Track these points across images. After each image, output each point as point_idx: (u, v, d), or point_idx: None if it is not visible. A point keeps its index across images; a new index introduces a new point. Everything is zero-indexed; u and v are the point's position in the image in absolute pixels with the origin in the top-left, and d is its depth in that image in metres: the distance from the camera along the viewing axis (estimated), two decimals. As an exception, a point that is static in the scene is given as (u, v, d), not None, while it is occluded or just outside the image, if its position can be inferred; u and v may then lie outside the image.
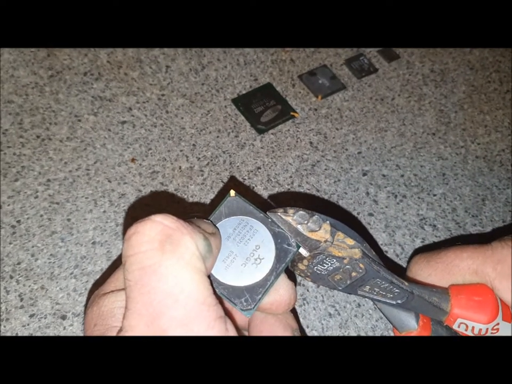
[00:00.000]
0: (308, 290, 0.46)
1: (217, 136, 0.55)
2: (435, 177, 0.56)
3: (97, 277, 0.45)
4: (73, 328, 0.42)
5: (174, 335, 0.19)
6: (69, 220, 0.47)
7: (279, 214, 0.25)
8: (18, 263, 0.45)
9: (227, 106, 0.58)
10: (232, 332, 0.20)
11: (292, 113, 0.58)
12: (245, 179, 0.52)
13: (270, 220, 0.25)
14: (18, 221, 0.47)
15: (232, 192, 0.25)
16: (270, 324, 0.26)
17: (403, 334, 0.29)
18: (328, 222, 0.25)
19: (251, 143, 0.55)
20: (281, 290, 0.25)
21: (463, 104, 0.63)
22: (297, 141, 0.56)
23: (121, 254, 0.46)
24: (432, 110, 0.62)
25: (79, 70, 0.58)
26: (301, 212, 0.25)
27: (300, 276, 0.27)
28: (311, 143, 0.56)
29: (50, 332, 0.42)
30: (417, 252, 0.49)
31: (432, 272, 0.30)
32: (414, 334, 0.29)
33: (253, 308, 0.23)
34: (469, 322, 0.28)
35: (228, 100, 0.58)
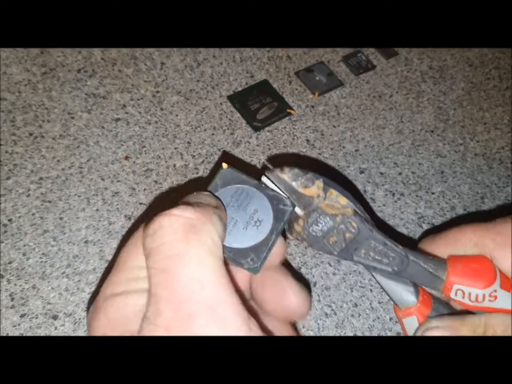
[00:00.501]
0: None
1: (213, 134, 0.54)
2: (433, 175, 0.55)
3: (90, 276, 0.44)
4: (65, 328, 0.41)
5: (203, 319, 0.20)
6: (61, 218, 0.47)
7: (275, 172, 0.26)
8: (10, 262, 0.44)
9: (222, 104, 0.57)
10: (253, 321, 0.21)
11: (288, 110, 0.57)
12: (241, 177, 0.52)
13: (263, 185, 0.26)
14: (10, 220, 0.46)
15: (225, 165, 0.27)
16: (270, 275, 0.27)
17: (403, 310, 0.29)
18: (321, 179, 0.26)
19: (247, 140, 0.54)
20: (290, 293, 0.26)
21: (462, 101, 0.62)
22: (293, 139, 0.55)
23: (114, 254, 0.45)
24: (431, 107, 0.61)
25: (73, 67, 0.57)
26: (296, 170, 0.26)
27: (297, 239, 0.28)
28: (307, 140, 0.55)
29: (42, 332, 0.41)
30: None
31: (435, 248, 0.30)
32: (413, 309, 0.28)
33: (260, 265, 0.25)
34: (466, 288, 0.28)
35: (223, 97, 0.57)
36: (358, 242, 0.27)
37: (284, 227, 0.26)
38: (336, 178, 0.27)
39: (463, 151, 0.58)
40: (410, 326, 0.29)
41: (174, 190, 0.50)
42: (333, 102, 0.59)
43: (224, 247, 0.24)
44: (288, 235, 0.28)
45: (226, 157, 0.52)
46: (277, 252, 0.26)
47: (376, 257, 0.27)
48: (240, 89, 0.58)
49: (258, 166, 0.53)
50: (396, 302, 0.29)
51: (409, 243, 0.48)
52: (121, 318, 0.22)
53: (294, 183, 0.26)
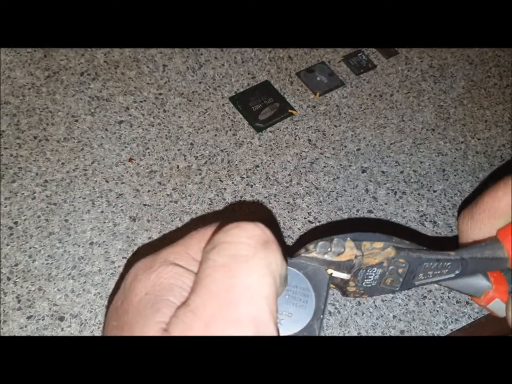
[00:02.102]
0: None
1: (215, 135, 0.55)
2: (435, 173, 0.55)
3: (95, 277, 0.45)
4: (71, 330, 0.42)
5: (245, 325, 0.19)
6: (66, 220, 0.47)
7: (302, 254, 0.25)
8: (16, 265, 0.44)
9: (225, 105, 0.57)
10: None
11: (290, 110, 0.57)
12: (243, 177, 0.52)
13: (295, 262, 0.25)
14: (16, 222, 0.46)
15: None
16: None
17: (483, 298, 0.29)
18: (348, 238, 0.26)
19: (249, 141, 0.55)
20: None
21: (462, 100, 0.62)
22: (295, 139, 0.56)
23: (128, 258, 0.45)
24: (432, 105, 0.61)
25: (76, 70, 0.58)
26: (321, 243, 0.25)
27: (356, 297, 0.28)
28: (309, 140, 0.56)
29: (48, 334, 0.41)
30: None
31: (480, 225, 0.29)
32: (491, 293, 0.28)
33: None
34: None
35: (225, 98, 0.58)
36: (413, 271, 0.27)
37: (327, 300, 0.25)
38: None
39: (464, 149, 0.58)
40: (498, 309, 0.29)
41: (177, 191, 0.50)
42: (334, 101, 0.59)
43: None
44: (345, 296, 0.28)
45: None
46: None
47: (435, 272, 0.27)
48: (242, 90, 0.58)
49: (261, 167, 0.53)
50: (472, 294, 0.29)
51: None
52: (168, 285, 0.22)
53: (326, 256, 0.25)
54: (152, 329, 0.20)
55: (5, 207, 0.47)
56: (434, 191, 0.54)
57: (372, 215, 0.51)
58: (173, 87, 0.58)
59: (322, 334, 0.24)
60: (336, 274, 0.26)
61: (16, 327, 0.42)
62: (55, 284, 0.44)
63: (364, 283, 0.26)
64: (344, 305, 0.45)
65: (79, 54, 0.59)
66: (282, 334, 0.23)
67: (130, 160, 0.52)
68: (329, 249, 0.25)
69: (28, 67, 0.57)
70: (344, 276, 0.26)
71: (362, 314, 0.45)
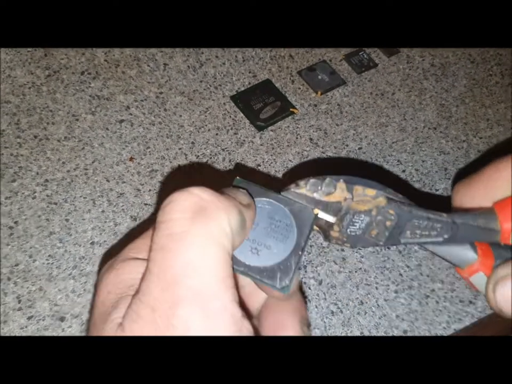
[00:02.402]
0: (309, 288, 0.46)
1: (216, 134, 0.55)
2: (437, 172, 0.55)
3: (96, 277, 0.44)
4: (72, 330, 0.42)
5: (188, 307, 0.19)
6: (67, 220, 0.47)
7: (292, 189, 0.25)
8: (16, 265, 0.44)
9: (226, 104, 0.57)
10: (246, 324, 0.20)
11: (291, 109, 0.57)
12: (245, 177, 0.52)
13: (283, 197, 0.25)
14: (16, 222, 0.46)
15: (238, 178, 0.25)
16: (280, 310, 0.25)
17: (466, 269, 0.28)
18: (341, 180, 0.25)
19: (250, 140, 0.54)
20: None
21: (464, 98, 0.62)
22: (297, 138, 0.55)
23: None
24: (433, 104, 0.61)
25: (76, 69, 0.57)
26: (312, 180, 0.24)
27: (338, 244, 0.26)
28: (311, 139, 0.56)
29: (49, 334, 0.41)
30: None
31: (475, 193, 0.28)
32: (476, 265, 0.27)
33: (290, 283, 0.23)
34: None
35: (226, 97, 0.58)
36: (401, 226, 0.26)
37: (308, 238, 0.25)
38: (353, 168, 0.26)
39: (466, 147, 0.58)
40: (480, 283, 0.28)
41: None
42: (336, 100, 0.59)
43: (246, 265, 0.23)
44: (327, 241, 0.27)
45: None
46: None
47: (423, 233, 0.26)
48: (243, 89, 0.58)
49: (262, 166, 0.53)
50: (456, 264, 0.28)
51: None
52: (126, 280, 0.22)
53: (315, 194, 0.24)
54: (109, 327, 0.20)
55: (6, 206, 0.47)
56: (437, 190, 0.54)
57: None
58: (174, 86, 0.58)
59: (297, 271, 0.24)
60: (322, 215, 0.25)
61: (16, 327, 0.41)
62: (55, 284, 0.44)
63: (348, 230, 0.25)
64: (347, 304, 0.45)
65: (79, 53, 0.58)
66: (258, 265, 0.23)
67: (131, 159, 0.51)
68: (319, 188, 0.24)
69: (28, 66, 0.57)
70: (330, 218, 0.25)
71: (365, 314, 0.45)
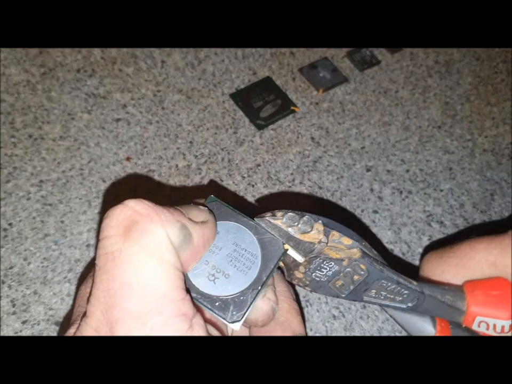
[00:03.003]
0: (311, 292, 0.45)
1: (215, 133, 0.53)
2: (441, 171, 0.54)
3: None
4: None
5: (126, 327, 0.18)
6: (62, 222, 0.46)
7: (267, 218, 0.23)
8: (10, 268, 0.43)
9: (225, 102, 0.56)
10: (199, 332, 0.19)
11: (292, 107, 0.56)
12: (244, 177, 0.51)
13: (254, 224, 0.23)
14: (10, 224, 0.45)
15: (212, 196, 0.24)
16: (269, 329, 0.24)
17: None
18: (320, 221, 0.23)
19: (250, 139, 0.53)
20: (264, 306, 0.23)
21: (469, 96, 0.61)
22: (298, 137, 0.54)
23: None
24: (437, 102, 0.60)
25: (72, 67, 0.56)
26: (290, 214, 0.23)
27: (299, 285, 0.25)
28: (312, 138, 0.54)
29: (44, 339, 0.40)
30: (427, 249, 0.47)
31: (445, 268, 0.28)
32: None
33: (241, 319, 0.22)
34: (490, 320, 0.26)
35: (225, 95, 0.56)
36: (368, 284, 0.24)
37: (272, 274, 0.23)
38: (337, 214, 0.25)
39: (472, 147, 0.56)
40: None
41: (176, 190, 0.49)
42: (338, 98, 0.58)
43: (199, 291, 0.22)
44: (288, 280, 0.25)
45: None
46: (262, 309, 0.23)
47: (389, 295, 0.25)
48: (242, 86, 0.57)
49: (262, 166, 0.51)
50: (411, 334, 0.27)
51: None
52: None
53: (290, 229, 0.23)
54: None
55: (0, 208, 0.46)
56: (441, 190, 0.52)
57: (377, 215, 0.49)
58: (172, 84, 0.56)
59: (254, 306, 0.22)
60: (292, 253, 0.24)
61: (11, 332, 0.40)
62: (50, 287, 0.43)
63: (314, 274, 0.24)
64: (349, 308, 0.44)
65: (75, 51, 0.57)
66: (212, 293, 0.22)
67: (127, 159, 0.50)
68: (296, 224, 0.23)
69: (23, 64, 0.55)
70: (299, 257, 0.24)
71: (368, 318, 0.44)
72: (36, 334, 0.40)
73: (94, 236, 0.45)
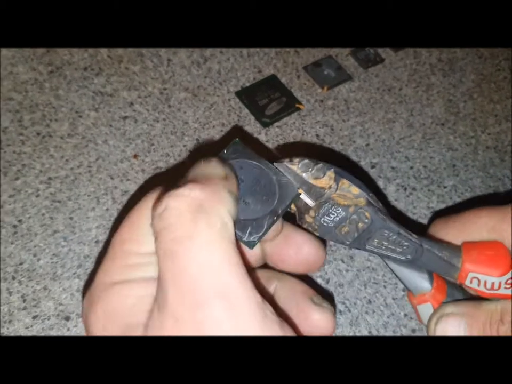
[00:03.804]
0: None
1: (221, 130, 0.54)
2: (445, 168, 0.54)
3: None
4: (78, 329, 0.41)
5: (211, 307, 0.18)
6: (71, 218, 0.46)
7: (284, 163, 0.26)
8: (21, 264, 0.44)
9: (231, 100, 0.56)
10: (269, 307, 0.20)
11: (297, 105, 0.56)
12: (251, 174, 0.51)
13: (274, 167, 0.26)
14: (20, 221, 0.46)
15: (237, 140, 0.26)
16: (281, 237, 0.26)
17: (417, 297, 0.29)
18: (332, 169, 0.26)
19: (256, 136, 0.54)
20: (306, 247, 0.26)
21: (472, 94, 0.61)
22: (303, 134, 0.55)
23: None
24: (441, 100, 0.60)
25: (79, 65, 0.57)
26: (306, 161, 0.25)
27: (308, 230, 0.27)
28: (317, 135, 0.55)
29: (54, 333, 0.41)
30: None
31: (449, 231, 0.29)
32: (428, 296, 0.28)
33: (257, 240, 0.24)
34: (481, 276, 0.27)
35: (231, 92, 0.57)
36: (371, 232, 0.26)
37: (286, 210, 0.25)
38: (348, 168, 0.27)
39: (475, 144, 0.57)
40: (425, 313, 0.29)
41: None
42: (342, 96, 0.58)
43: None
44: (300, 224, 0.28)
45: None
46: (306, 257, 0.26)
47: (390, 246, 0.27)
48: (248, 84, 0.57)
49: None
50: (410, 289, 0.29)
51: (419, 228, 0.48)
52: (121, 310, 0.21)
53: (304, 175, 0.25)
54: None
55: (9, 205, 0.46)
56: (445, 187, 0.53)
57: (382, 212, 0.50)
58: (178, 82, 0.57)
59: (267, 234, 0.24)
60: (304, 197, 0.26)
61: (21, 326, 0.41)
62: (60, 283, 0.43)
63: (322, 219, 0.26)
64: (355, 303, 0.45)
65: (82, 49, 0.58)
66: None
67: (135, 156, 0.51)
68: (310, 170, 0.25)
69: (31, 62, 0.56)
70: (310, 201, 0.26)
71: (373, 313, 0.44)
72: (46, 328, 0.41)
73: (103, 232, 0.46)
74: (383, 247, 0.27)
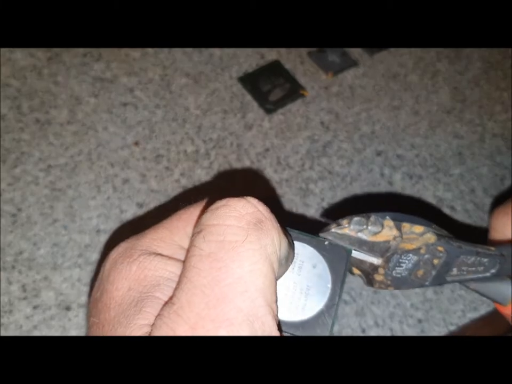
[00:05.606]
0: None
1: (223, 117, 0.53)
2: (451, 156, 0.53)
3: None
4: (79, 320, 0.40)
5: (237, 328, 0.17)
6: (71, 207, 0.46)
7: (332, 230, 0.22)
8: (20, 253, 0.43)
9: (233, 86, 0.55)
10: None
11: (301, 91, 0.55)
12: (254, 162, 0.50)
13: (316, 239, 0.22)
14: (19, 209, 0.45)
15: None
16: None
17: (509, 306, 0.27)
18: (387, 217, 0.23)
19: (259, 123, 0.53)
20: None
21: (478, 81, 0.60)
22: (307, 121, 0.54)
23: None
24: (447, 87, 0.59)
25: (79, 51, 0.55)
26: (356, 218, 0.22)
27: (381, 288, 0.25)
28: (322, 122, 0.54)
29: (55, 324, 0.40)
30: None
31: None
32: None
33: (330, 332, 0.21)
34: None
35: (233, 78, 0.56)
36: (449, 264, 0.24)
37: (345, 279, 0.22)
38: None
39: (481, 131, 0.56)
40: None
41: (184, 175, 0.49)
42: (347, 82, 0.57)
43: (284, 322, 0.21)
44: (368, 286, 0.25)
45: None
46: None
47: (470, 269, 0.25)
48: (250, 70, 0.56)
49: (271, 150, 0.51)
50: (498, 301, 0.27)
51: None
52: (154, 279, 0.19)
53: (360, 234, 0.22)
54: (132, 333, 0.18)
55: (8, 193, 0.45)
56: (451, 175, 0.52)
57: (388, 201, 0.49)
58: (179, 68, 0.56)
59: (335, 324, 0.22)
60: (366, 257, 0.23)
61: (22, 316, 0.40)
62: (61, 272, 0.42)
63: (394, 272, 0.24)
64: (360, 294, 0.44)
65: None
66: (290, 320, 0.21)
67: (136, 144, 0.50)
68: (365, 227, 0.22)
69: (29, 48, 0.55)
70: (375, 260, 0.23)
71: (379, 303, 0.44)
72: (47, 319, 0.40)
73: (104, 221, 0.45)
74: (465, 273, 0.25)
